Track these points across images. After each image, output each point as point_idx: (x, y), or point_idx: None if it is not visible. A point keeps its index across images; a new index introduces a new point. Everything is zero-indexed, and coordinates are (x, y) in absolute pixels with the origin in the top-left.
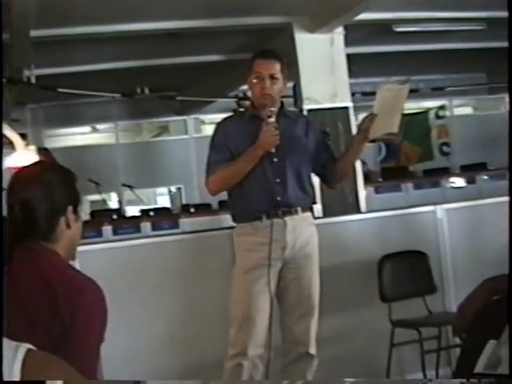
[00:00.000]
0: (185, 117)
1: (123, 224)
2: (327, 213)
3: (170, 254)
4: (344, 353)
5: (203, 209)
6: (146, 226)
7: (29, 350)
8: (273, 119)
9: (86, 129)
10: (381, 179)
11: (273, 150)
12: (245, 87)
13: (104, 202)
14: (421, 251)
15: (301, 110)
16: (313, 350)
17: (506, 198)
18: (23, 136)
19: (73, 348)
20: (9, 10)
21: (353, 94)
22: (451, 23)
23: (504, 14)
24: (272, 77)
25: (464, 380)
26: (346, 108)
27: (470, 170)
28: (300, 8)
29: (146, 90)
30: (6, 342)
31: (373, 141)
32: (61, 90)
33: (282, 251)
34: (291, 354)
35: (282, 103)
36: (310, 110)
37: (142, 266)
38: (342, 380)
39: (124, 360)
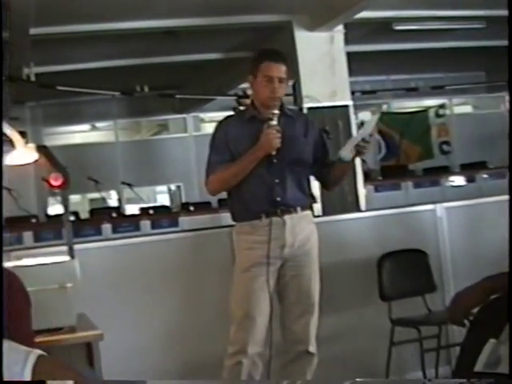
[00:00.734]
0: (184, 115)
1: (122, 222)
2: (327, 211)
3: (170, 252)
4: (343, 351)
5: (203, 207)
6: (145, 224)
7: (39, 356)
8: (275, 122)
9: (86, 127)
10: (380, 178)
11: (273, 153)
12: (244, 85)
13: (103, 200)
14: (420, 250)
15: (300, 109)
16: (312, 348)
17: (506, 197)
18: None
19: None
20: (8, 8)
21: (352, 93)
22: (451, 21)
23: (504, 12)
24: (281, 80)
25: (464, 380)
26: (345, 106)
27: (469, 169)
28: (300, 6)
29: (146, 88)
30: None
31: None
32: (60, 87)
33: (281, 249)
34: (291, 352)
35: (281, 102)
36: (309, 109)
37: (141, 265)
38: (342, 381)
39: (123, 357)
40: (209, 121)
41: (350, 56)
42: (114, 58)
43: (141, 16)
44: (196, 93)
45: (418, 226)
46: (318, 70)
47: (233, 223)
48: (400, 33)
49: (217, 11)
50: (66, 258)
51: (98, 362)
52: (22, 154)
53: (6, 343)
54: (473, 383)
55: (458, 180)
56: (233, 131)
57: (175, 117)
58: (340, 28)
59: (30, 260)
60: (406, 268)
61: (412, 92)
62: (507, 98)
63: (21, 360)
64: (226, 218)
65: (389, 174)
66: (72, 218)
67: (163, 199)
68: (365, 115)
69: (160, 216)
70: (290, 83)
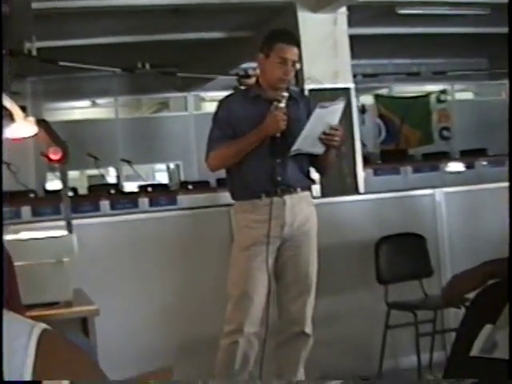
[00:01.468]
0: (185, 93)
1: (121, 199)
2: (325, 193)
3: (168, 229)
4: (339, 333)
5: (201, 186)
6: (143, 201)
7: (44, 330)
8: (283, 104)
9: (86, 103)
10: (380, 161)
11: (278, 135)
12: (246, 65)
13: (102, 176)
14: (418, 234)
15: (302, 90)
16: (308, 329)
17: (505, 184)
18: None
19: None
20: None
21: (354, 76)
22: (455, 7)
23: None
24: (293, 63)
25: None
26: (347, 89)
27: (469, 156)
28: None
29: (147, 66)
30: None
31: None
32: (62, 63)
33: (281, 229)
34: (286, 332)
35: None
36: (311, 90)
37: (139, 241)
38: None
39: (119, 333)
40: (209, 100)
41: (353, 39)
42: (116, 34)
43: None
44: (197, 71)
45: (417, 211)
46: (321, 52)
47: (231, 202)
48: (403, 17)
49: None
50: (64, 232)
51: (93, 337)
52: (22, 127)
53: (6, 314)
54: None
55: (458, 166)
56: (236, 109)
57: (176, 95)
58: (343, 10)
59: (28, 234)
60: (404, 252)
61: (414, 77)
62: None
63: (25, 333)
64: (224, 197)
65: (388, 158)
66: (70, 193)
67: (162, 177)
68: (366, 99)
69: (158, 194)
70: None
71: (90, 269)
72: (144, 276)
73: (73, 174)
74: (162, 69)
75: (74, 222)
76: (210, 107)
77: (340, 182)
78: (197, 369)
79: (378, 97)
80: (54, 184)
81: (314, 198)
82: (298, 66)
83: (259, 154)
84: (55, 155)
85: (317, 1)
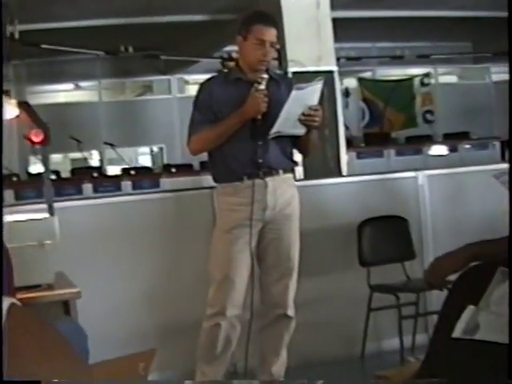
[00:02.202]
0: (169, 76)
1: (104, 182)
2: (309, 175)
3: (151, 212)
4: (322, 316)
5: (184, 169)
6: (126, 184)
7: (12, 304)
8: (263, 86)
9: (69, 86)
10: (363, 145)
11: (259, 117)
12: (229, 48)
13: (85, 159)
14: (401, 216)
15: (285, 73)
16: (291, 312)
17: (488, 167)
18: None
19: None
20: None
21: (338, 59)
22: None
23: None
24: (272, 44)
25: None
26: (330, 72)
27: (452, 139)
28: None
29: (130, 49)
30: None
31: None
32: (44, 46)
33: (263, 212)
34: (269, 315)
35: (268, 66)
36: (294, 73)
37: (122, 224)
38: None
39: (101, 316)
40: (193, 83)
41: (336, 22)
42: (99, 16)
43: None
44: (181, 54)
45: (400, 193)
46: (304, 35)
47: (214, 185)
48: (387, 0)
49: None
50: (46, 215)
51: (75, 319)
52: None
53: None
54: None
55: (441, 149)
56: (217, 92)
57: (159, 78)
58: None
59: (9, 217)
60: (386, 234)
61: (397, 60)
62: (493, 69)
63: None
64: (207, 180)
65: (371, 141)
66: (53, 176)
67: (145, 161)
68: (349, 82)
69: (141, 177)
70: (278, 47)
71: (72, 252)
72: (127, 259)
73: (56, 158)
74: (145, 52)
75: (57, 205)
76: (194, 90)
77: (323, 165)
78: (181, 351)
79: (361, 80)
80: (36, 167)
81: (297, 180)
82: (277, 46)
83: (240, 136)
84: (37, 137)
85: None
